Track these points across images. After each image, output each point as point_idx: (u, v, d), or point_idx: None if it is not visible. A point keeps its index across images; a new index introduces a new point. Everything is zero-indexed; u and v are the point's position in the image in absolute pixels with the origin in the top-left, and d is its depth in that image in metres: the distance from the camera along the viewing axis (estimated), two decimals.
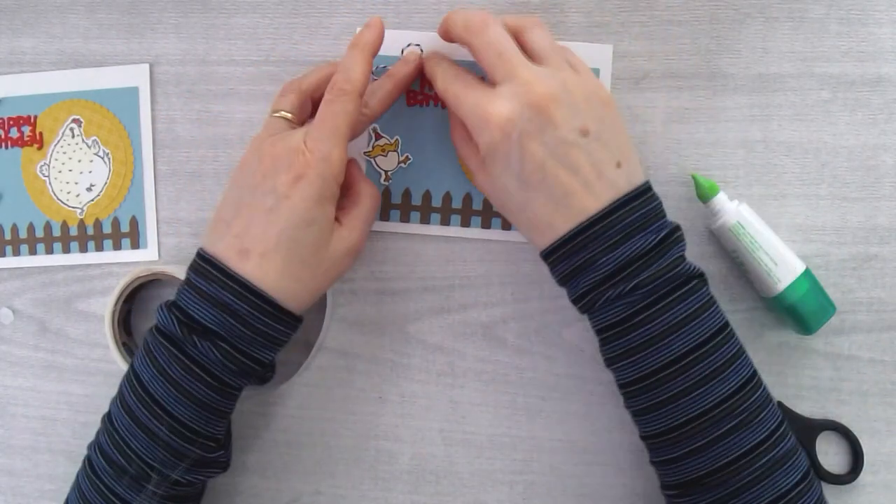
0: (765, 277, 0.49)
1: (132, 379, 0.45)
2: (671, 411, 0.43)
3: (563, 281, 0.45)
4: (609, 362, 0.45)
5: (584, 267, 0.43)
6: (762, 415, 0.42)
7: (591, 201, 0.43)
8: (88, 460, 0.47)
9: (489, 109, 0.43)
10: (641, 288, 0.42)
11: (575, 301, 0.45)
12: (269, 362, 0.46)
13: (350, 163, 0.48)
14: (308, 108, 0.50)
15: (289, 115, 0.48)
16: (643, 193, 0.43)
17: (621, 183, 0.43)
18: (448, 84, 0.47)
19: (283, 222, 0.44)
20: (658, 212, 0.44)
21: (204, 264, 0.44)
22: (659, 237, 0.42)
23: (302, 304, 0.46)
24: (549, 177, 0.43)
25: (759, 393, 0.43)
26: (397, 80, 0.50)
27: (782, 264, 0.49)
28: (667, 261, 0.42)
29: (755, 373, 0.44)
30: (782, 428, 0.43)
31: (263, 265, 0.44)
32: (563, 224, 0.43)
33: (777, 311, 0.50)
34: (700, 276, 0.44)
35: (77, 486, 0.47)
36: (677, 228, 0.44)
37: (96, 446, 0.46)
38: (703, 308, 0.43)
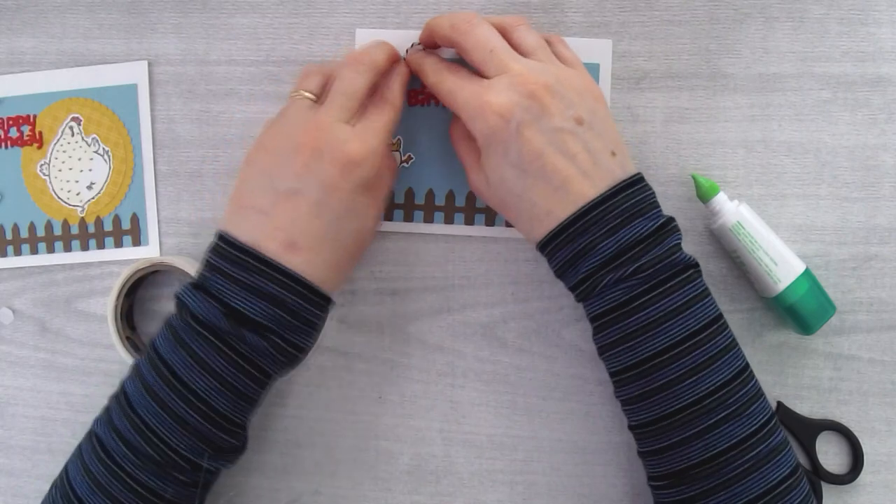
0: (765, 277, 0.49)
1: (158, 365, 0.44)
2: (662, 399, 0.43)
3: (562, 269, 0.46)
4: (603, 350, 0.45)
5: (584, 252, 0.43)
6: (752, 407, 0.43)
7: (589, 187, 0.43)
8: (99, 441, 0.45)
9: (485, 99, 0.44)
10: (641, 272, 0.42)
11: (574, 288, 0.45)
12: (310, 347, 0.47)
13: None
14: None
15: (312, 96, 0.48)
16: (638, 182, 0.44)
17: (616, 171, 0.44)
18: (440, 77, 0.47)
19: (331, 214, 0.44)
20: (653, 200, 0.45)
21: (242, 255, 0.44)
22: (657, 223, 0.43)
23: (338, 287, 0.48)
24: (547, 164, 0.43)
25: (750, 385, 0.43)
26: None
27: (782, 264, 0.49)
28: (665, 247, 0.43)
29: (747, 366, 0.44)
30: (772, 422, 0.43)
31: (313, 259, 0.44)
32: (561, 211, 0.44)
33: (777, 311, 0.50)
34: (696, 266, 0.44)
35: (84, 467, 0.45)
36: (672, 219, 0.44)
37: (110, 428, 0.44)
38: (700, 297, 0.43)
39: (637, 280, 0.42)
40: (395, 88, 0.49)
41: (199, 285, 0.44)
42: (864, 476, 0.52)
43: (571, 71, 0.46)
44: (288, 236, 0.44)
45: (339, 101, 0.46)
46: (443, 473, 0.54)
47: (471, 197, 0.53)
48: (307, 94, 0.47)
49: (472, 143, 0.47)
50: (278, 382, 0.55)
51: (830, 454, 0.52)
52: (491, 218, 0.53)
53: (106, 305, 0.53)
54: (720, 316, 0.44)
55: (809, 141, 0.52)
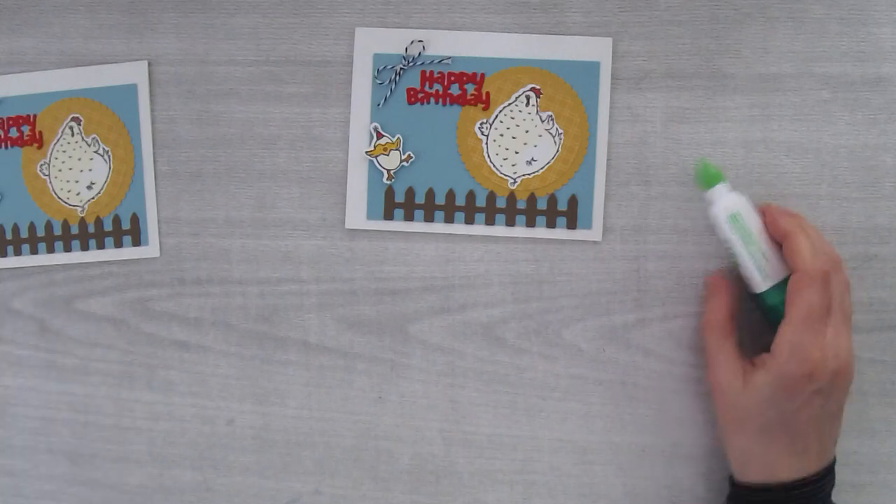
0: (754, 272, 0.48)
1: None
2: None
3: None
4: None
5: None
6: None
7: (815, 465, 0.45)
8: None
9: (810, 348, 0.44)
10: None
11: None
12: None
13: None
14: None
15: None
16: (833, 466, 0.47)
17: (833, 454, 0.47)
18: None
19: None
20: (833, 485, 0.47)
21: None
22: None
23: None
24: (807, 431, 0.45)
25: None
26: None
27: (773, 261, 0.48)
28: None
29: None
30: None
31: None
32: (783, 472, 0.45)
33: (763, 308, 0.50)
34: None
35: None
36: None
37: None
38: None
39: None
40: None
41: None
42: (864, 476, 0.52)
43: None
44: None
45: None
46: (443, 473, 0.54)
47: (471, 196, 0.53)
48: None
49: (733, 343, 0.48)
50: (278, 383, 0.55)
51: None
52: (491, 217, 0.53)
53: (104, 308, 0.53)
54: None
55: (809, 141, 0.52)
